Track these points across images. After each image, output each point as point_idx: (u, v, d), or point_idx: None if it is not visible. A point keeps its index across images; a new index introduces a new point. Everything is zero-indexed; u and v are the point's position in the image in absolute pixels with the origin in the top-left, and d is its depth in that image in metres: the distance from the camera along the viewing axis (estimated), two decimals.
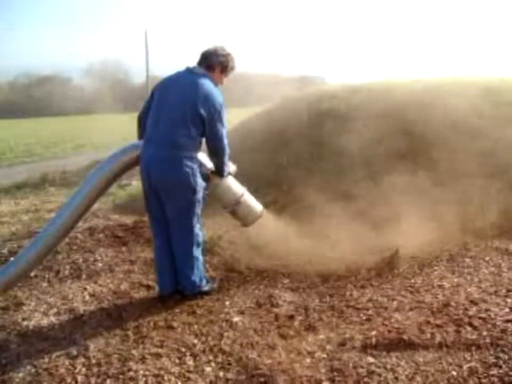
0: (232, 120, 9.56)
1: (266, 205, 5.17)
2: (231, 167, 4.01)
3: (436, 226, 4.68)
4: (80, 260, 4.81)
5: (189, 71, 3.82)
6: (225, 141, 3.79)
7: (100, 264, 4.72)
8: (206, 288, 3.94)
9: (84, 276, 4.48)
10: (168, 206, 3.75)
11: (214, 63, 3.81)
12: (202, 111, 3.62)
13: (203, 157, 3.86)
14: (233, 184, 4.07)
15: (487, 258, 4.42)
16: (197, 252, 3.86)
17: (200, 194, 3.76)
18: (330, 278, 4.15)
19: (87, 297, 4.06)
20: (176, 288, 3.93)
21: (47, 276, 4.48)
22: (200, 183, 3.74)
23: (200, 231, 3.88)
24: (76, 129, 25.08)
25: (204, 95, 3.64)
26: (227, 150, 3.83)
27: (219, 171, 3.90)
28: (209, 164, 3.87)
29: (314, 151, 6.62)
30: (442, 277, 4.07)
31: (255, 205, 4.22)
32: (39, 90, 43.58)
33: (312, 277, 4.19)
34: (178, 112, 3.66)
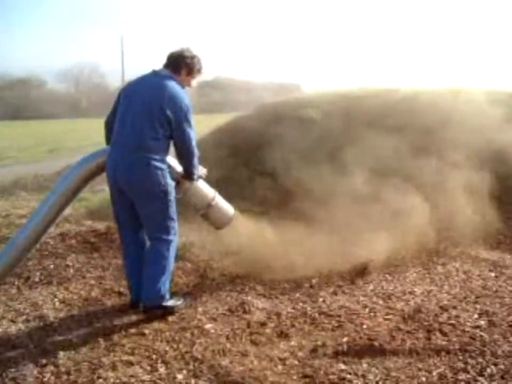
0: (208, 125, 9.60)
1: (245, 210, 5.21)
2: (201, 170, 3.93)
3: (408, 233, 4.73)
4: (51, 266, 4.74)
5: (154, 73, 3.76)
6: (194, 143, 3.71)
7: (71, 270, 4.66)
8: (169, 303, 3.73)
9: (54, 282, 4.42)
10: (140, 210, 3.68)
11: (180, 65, 3.75)
12: (168, 112, 3.56)
13: (172, 160, 3.80)
14: (204, 188, 4.02)
15: (457, 265, 4.49)
16: (171, 256, 3.73)
17: (172, 196, 3.69)
18: (303, 285, 4.17)
19: (58, 304, 4.00)
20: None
21: (16, 282, 4.40)
22: (171, 183, 3.68)
23: (176, 236, 3.78)
24: (50, 133, 24.75)
25: (170, 96, 3.59)
26: (196, 153, 3.74)
27: (189, 174, 3.81)
28: (179, 168, 3.81)
29: (288, 158, 6.63)
30: (413, 283, 4.12)
31: (227, 207, 4.18)
32: (13, 93, 42.93)
33: (285, 284, 4.20)
34: (144, 114, 3.59)
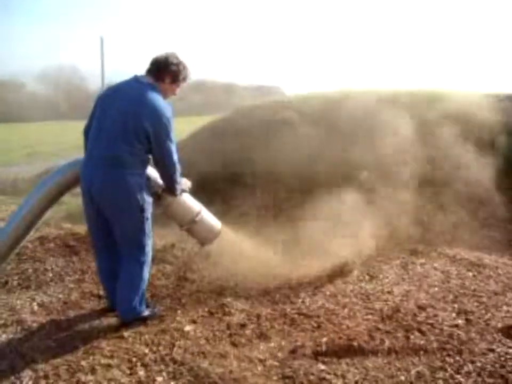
0: (187, 128, 9.59)
1: (222, 214, 5.18)
2: (186, 183, 3.76)
3: (387, 234, 4.77)
4: (30, 270, 4.69)
5: (135, 80, 3.53)
6: (175, 157, 3.49)
7: (50, 274, 4.61)
8: (146, 313, 3.65)
9: (33, 286, 4.37)
10: (115, 227, 3.50)
11: (163, 72, 3.52)
12: (146, 126, 3.33)
13: (153, 172, 3.63)
14: (188, 202, 3.83)
15: (436, 265, 4.54)
16: (145, 273, 3.59)
17: (148, 212, 3.50)
18: (283, 286, 4.18)
19: (36, 308, 3.96)
20: None
21: None
22: (148, 200, 3.48)
23: (149, 253, 3.62)
24: (28, 136, 24.48)
25: (149, 108, 3.36)
26: (178, 167, 3.53)
27: (170, 189, 3.62)
28: (160, 180, 3.62)
29: (268, 160, 6.65)
30: (392, 283, 4.16)
31: (213, 222, 4.00)
32: None
33: (264, 285, 4.20)
34: (120, 126, 3.36)
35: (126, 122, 3.35)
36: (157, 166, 3.52)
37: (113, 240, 3.57)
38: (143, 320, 3.62)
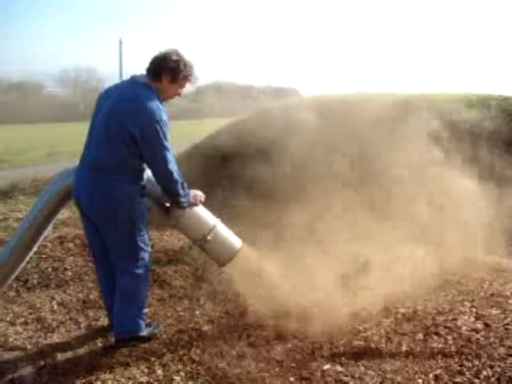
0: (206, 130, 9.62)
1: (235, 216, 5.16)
2: (194, 196, 3.36)
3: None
4: (49, 269, 4.75)
5: (130, 79, 3.25)
6: (171, 166, 3.11)
7: (69, 273, 4.67)
8: (143, 333, 3.38)
9: (52, 285, 4.43)
10: (105, 237, 3.25)
11: (161, 71, 3.17)
12: (131, 127, 3.01)
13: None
14: (200, 217, 3.44)
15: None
16: (140, 289, 3.33)
17: (140, 223, 3.22)
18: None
19: (56, 307, 4.01)
20: None
21: (14, 285, 4.40)
22: (140, 209, 3.21)
23: (145, 267, 3.33)
24: (47, 136, 24.72)
25: (135, 110, 3.02)
26: (176, 176, 3.14)
27: (174, 202, 3.29)
28: None
29: (287, 162, 6.65)
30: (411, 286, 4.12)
31: (231, 241, 3.56)
32: (10, 97, 42.95)
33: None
34: (106, 130, 3.08)
35: (110, 126, 3.07)
36: (154, 176, 3.20)
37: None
38: (140, 341, 3.36)
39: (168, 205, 3.37)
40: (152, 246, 5.17)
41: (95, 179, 3.13)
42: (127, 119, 3.03)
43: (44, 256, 5.08)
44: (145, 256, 3.31)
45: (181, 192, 3.19)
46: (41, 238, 3.66)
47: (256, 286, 3.79)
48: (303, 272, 3.99)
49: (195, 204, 3.37)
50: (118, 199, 3.12)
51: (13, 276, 3.66)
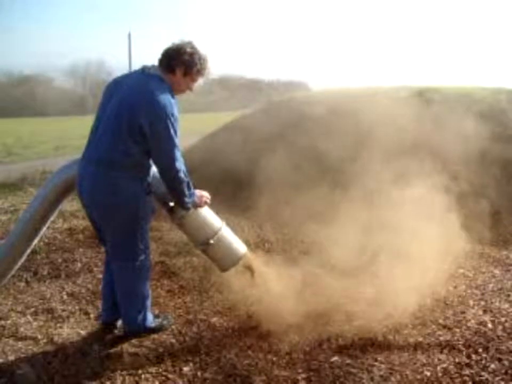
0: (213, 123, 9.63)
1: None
2: (201, 196, 3.24)
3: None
4: (59, 260, 4.79)
5: (141, 70, 3.08)
6: (178, 164, 2.97)
7: (79, 265, 4.70)
8: (152, 325, 3.37)
9: (62, 276, 4.47)
10: (106, 235, 3.16)
11: (174, 63, 3.03)
12: (142, 121, 2.87)
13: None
14: (204, 219, 3.31)
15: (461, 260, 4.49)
16: (142, 287, 3.25)
17: (144, 222, 3.12)
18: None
19: (65, 297, 4.05)
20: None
21: (25, 275, 4.45)
22: (145, 208, 3.09)
23: (148, 261, 3.25)
24: (56, 130, 24.84)
25: (147, 102, 2.88)
26: (182, 175, 3.00)
27: (178, 202, 3.15)
28: None
29: (295, 156, 6.64)
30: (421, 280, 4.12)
31: (234, 246, 3.43)
32: (19, 90, 43.17)
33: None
34: (114, 122, 2.94)
35: (120, 118, 2.93)
36: (160, 173, 3.07)
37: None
38: (151, 332, 3.37)
39: (172, 204, 3.23)
40: (161, 238, 5.23)
41: (99, 174, 2.99)
42: (137, 112, 2.88)
43: (53, 247, 5.13)
44: (145, 258, 3.20)
45: (186, 191, 3.06)
46: (43, 230, 3.58)
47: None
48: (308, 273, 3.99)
49: (200, 205, 3.24)
50: (123, 197, 2.99)
51: (16, 267, 3.61)
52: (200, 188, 3.33)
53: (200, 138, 9.66)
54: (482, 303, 3.71)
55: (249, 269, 3.54)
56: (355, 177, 5.08)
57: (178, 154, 2.98)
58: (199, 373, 2.97)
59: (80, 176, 3.10)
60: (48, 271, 4.57)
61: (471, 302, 3.72)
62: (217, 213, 3.49)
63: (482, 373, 2.85)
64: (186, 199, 3.09)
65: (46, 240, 5.25)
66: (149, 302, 3.35)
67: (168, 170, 2.99)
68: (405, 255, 3.80)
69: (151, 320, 3.38)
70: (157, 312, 3.63)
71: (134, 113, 2.89)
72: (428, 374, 2.87)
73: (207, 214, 3.34)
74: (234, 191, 6.46)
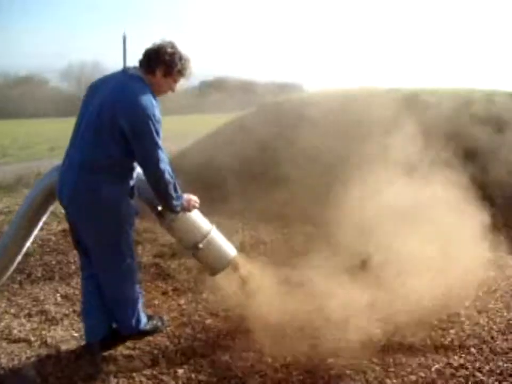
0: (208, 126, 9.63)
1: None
2: (191, 199, 3.18)
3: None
4: (53, 262, 4.77)
5: (122, 71, 3.04)
6: (163, 165, 2.90)
7: (73, 267, 4.67)
8: (147, 327, 3.36)
9: (56, 278, 4.45)
10: (86, 240, 3.07)
11: (154, 63, 2.97)
12: (123, 124, 2.81)
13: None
14: (192, 223, 3.26)
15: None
16: (130, 291, 3.20)
17: (127, 225, 3.05)
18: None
19: (59, 299, 4.03)
20: (107, 333, 3.27)
21: (18, 277, 4.43)
22: (128, 212, 3.03)
23: (133, 264, 3.18)
24: (52, 131, 24.76)
25: (127, 103, 2.83)
26: (167, 177, 2.92)
27: (166, 205, 3.09)
28: None
29: (291, 157, 6.64)
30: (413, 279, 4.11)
31: (224, 250, 3.40)
32: (14, 91, 43.09)
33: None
34: (95, 124, 2.88)
35: (101, 120, 2.86)
36: (144, 175, 3.00)
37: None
38: (145, 335, 3.35)
39: (160, 208, 3.19)
40: (155, 240, 5.22)
41: (79, 180, 2.91)
42: (118, 114, 2.82)
43: (47, 249, 5.12)
44: (130, 261, 3.13)
45: (173, 194, 2.99)
46: (35, 233, 3.50)
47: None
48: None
49: (188, 209, 3.18)
50: (103, 201, 2.91)
51: (10, 270, 3.54)
52: (194, 190, 3.32)
53: (194, 141, 9.65)
54: (477, 304, 3.71)
55: (238, 272, 3.52)
56: (353, 177, 5.05)
57: (162, 155, 2.90)
58: (193, 375, 2.96)
59: (60, 182, 3.01)
60: (42, 273, 4.55)
61: (466, 303, 3.71)
62: (211, 215, 3.48)
63: (477, 374, 2.85)
64: (174, 202, 3.02)
65: (40, 242, 5.23)
66: (140, 305, 3.30)
67: (152, 171, 2.92)
68: (403, 256, 3.80)
69: (144, 323, 3.36)
70: (151, 313, 3.61)
71: (114, 115, 2.83)
72: (423, 375, 2.87)
73: (196, 217, 3.29)
74: (229, 193, 6.44)
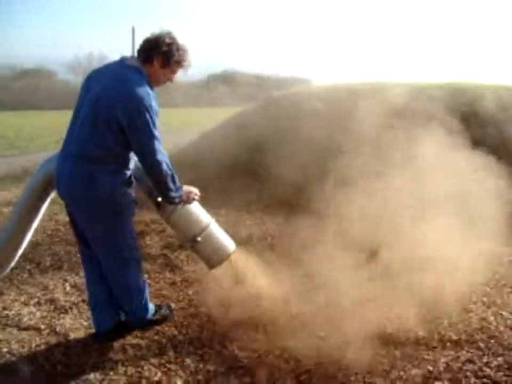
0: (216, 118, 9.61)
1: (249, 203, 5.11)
2: (191, 191, 3.16)
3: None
4: (62, 252, 4.80)
5: (119, 61, 2.99)
6: (160, 156, 2.86)
7: None
8: (154, 317, 3.38)
9: (65, 268, 4.47)
10: (87, 232, 3.05)
11: (152, 53, 2.93)
12: (119, 115, 2.77)
13: None
14: (191, 215, 3.24)
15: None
16: (136, 280, 3.20)
17: (126, 215, 3.03)
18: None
19: (68, 288, 4.05)
20: (115, 323, 3.29)
21: (28, 267, 4.46)
22: (125, 201, 2.99)
23: (137, 253, 3.18)
24: (58, 123, 24.81)
25: (123, 94, 2.79)
26: (165, 168, 2.90)
27: (164, 196, 3.05)
28: None
29: (297, 150, 6.64)
30: (421, 274, 4.11)
31: (223, 243, 3.37)
32: (21, 83, 43.21)
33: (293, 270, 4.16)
34: (91, 115, 2.84)
35: (96, 110, 2.83)
36: (142, 167, 2.98)
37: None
38: (153, 324, 3.38)
39: (159, 199, 3.15)
40: (163, 231, 5.23)
41: (76, 170, 2.89)
42: (114, 105, 2.78)
43: (56, 239, 5.14)
44: (133, 249, 3.12)
45: (171, 186, 2.97)
46: (34, 225, 3.45)
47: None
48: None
49: (187, 201, 3.16)
50: (100, 192, 2.88)
51: (13, 261, 3.51)
52: (201, 183, 3.32)
53: (201, 134, 9.66)
54: (485, 299, 3.71)
55: (235, 269, 3.54)
56: (359, 170, 5.05)
57: (159, 147, 2.87)
58: (201, 365, 2.98)
59: (57, 174, 2.99)
60: (51, 263, 4.58)
61: (475, 298, 3.71)
62: (218, 207, 3.48)
63: (485, 369, 2.86)
64: (172, 194, 3.00)
65: (49, 232, 5.27)
66: (146, 294, 3.30)
67: (149, 163, 2.89)
68: (411, 249, 3.79)
69: (152, 312, 3.38)
70: (158, 303, 3.63)
71: (110, 106, 2.79)
72: (430, 368, 2.87)
73: (195, 210, 3.26)
74: (236, 186, 6.46)
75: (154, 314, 3.40)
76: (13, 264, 3.53)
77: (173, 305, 3.67)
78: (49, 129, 21.56)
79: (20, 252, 3.48)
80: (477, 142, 5.63)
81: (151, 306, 3.39)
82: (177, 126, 18.16)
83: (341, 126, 6.60)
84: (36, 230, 3.51)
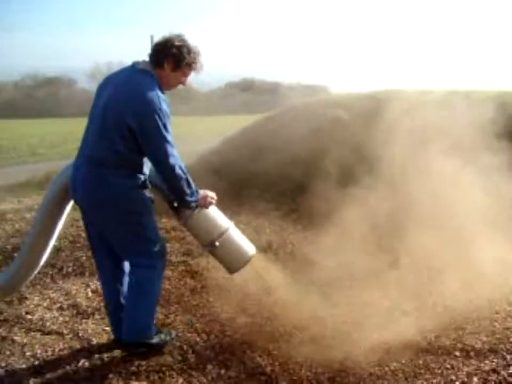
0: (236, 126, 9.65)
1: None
2: (207, 195, 3.10)
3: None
4: (83, 258, 4.83)
5: (131, 66, 2.98)
6: (173, 160, 2.83)
7: None
8: (154, 340, 3.14)
9: (87, 273, 4.51)
10: (109, 237, 3.03)
11: (162, 57, 2.90)
12: (129, 119, 2.76)
13: None
14: (209, 220, 3.18)
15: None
16: (156, 285, 3.11)
17: (146, 217, 2.99)
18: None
19: (90, 294, 4.09)
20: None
21: (50, 272, 4.50)
22: (142, 203, 2.97)
23: (161, 258, 3.10)
24: (79, 130, 25.09)
25: (133, 98, 2.79)
26: (179, 172, 2.86)
27: (180, 201, 3.03)
28: None
29: (320, 159, 6.63)
30: (444, 282, 4.07)
31: (243, 247, 3.30)
32: (43, 91, 43.88)
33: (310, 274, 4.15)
34: (102, 120, 2.85)
35: (106, 116, 2.84)
36: (156, 171, 2.95)
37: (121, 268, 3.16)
38: (148, 348, 3.13)
39: (176, 204, 3.13)
40: (183, 238, 5.25)
41: (90, 173, 2.88)
42: (124, 109, 2.78)
43: (78, 245, 5.18)
44: (159, 247, 3.06)
45: (187, 190, 2.93)
46: (56, 233, 3.36)
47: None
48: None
49: (204, 206, 3.11)
50: (114, 192, 2.88)
51: (36, 271, 3.44)
52: (224, 190, 3.32)
53: (221, 141, 9.69)
54: (509, 308, 3.66)
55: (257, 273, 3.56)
56: (382, 179, 5.02)
57: (172, 150, 2.84)
58: (222, 371, 2.99)
59: (72, 179, 2.98)
60: (73, 268, 4.62)
61: (498, 307, 3.67)
62: (238, 214, 3.49)
63: (509, 379, 2.83)
64: (188, 198, 2.97)
65: (71, 238, 5.31)
66: (155, 314, 3.20)
67: (163, 167, 2.87)
68: (433, 258, 3.77)
69: (152, 334, 3.15)
70: (158, 326, 3.42)
71: (121, 111, 2.79)
72: (453, 378, 2.85)
73: (213, 214, 3.22)
74: (257, 193, 6.47)
75: (153, 338, 3.15)
76: (37, 269, 3.57)
77: (173, 333, 3.39)
78: (71, 136, 21.83)
79: (45, 257, 3.50)
80: None
81: (153, 328, 3.17)
82: (199, 133, 18.27)
83: (368, 135, 6.57)
84: (58, 236, 3.54)
